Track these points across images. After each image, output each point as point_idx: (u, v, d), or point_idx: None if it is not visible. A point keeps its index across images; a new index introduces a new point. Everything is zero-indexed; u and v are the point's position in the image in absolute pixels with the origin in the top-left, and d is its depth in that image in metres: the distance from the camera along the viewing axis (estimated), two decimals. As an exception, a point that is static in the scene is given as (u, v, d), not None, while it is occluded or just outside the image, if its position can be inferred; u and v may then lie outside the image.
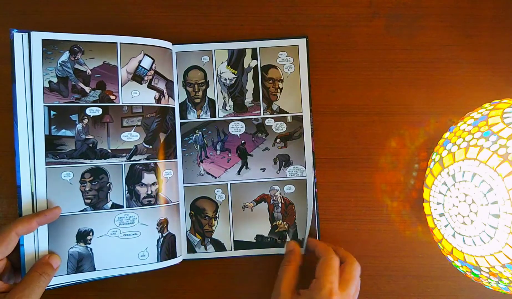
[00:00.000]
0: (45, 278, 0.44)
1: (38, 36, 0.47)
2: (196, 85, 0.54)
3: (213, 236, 0.53)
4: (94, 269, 0.48)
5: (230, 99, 0.54)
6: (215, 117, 0.54)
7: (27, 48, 0.47)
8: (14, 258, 0.45)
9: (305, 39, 0.54)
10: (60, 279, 0.47)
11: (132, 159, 0.49)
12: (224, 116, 0.54)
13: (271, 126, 0.54)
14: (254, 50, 0.54)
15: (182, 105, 0.54)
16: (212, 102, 0.54)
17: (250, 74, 0.54)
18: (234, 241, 0.53)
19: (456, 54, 0.54)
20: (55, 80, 0.48)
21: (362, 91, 0.54)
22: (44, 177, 0.47)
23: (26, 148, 0.47)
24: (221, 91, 0.54)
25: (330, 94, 0.54)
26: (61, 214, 0.47)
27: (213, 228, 0.53)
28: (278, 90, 0.54)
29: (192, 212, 0.53)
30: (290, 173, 0.53)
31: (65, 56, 0.48)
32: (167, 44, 0.52)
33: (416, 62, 0.54)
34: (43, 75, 0.47)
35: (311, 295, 0.44)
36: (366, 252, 0.53)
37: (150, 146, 0.50)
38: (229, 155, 0.54)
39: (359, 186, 0.54)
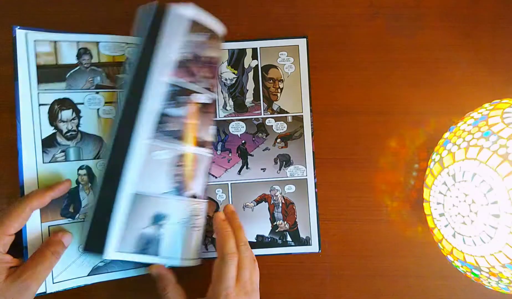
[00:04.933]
0: (56, 258, 0.44)
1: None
2: (196, 85, 0.54)
3: (214, 236, 0.53)
4: (157, 255, 0.47)
5: (230, 99, 0.54)
6: (216, 117, 0.54)
7: (33, 46, 0.47)
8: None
9: (305, 39, 0.54)
10: (129, 256, 0.45)
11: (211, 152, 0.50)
12: (224, 116, 0.54)
13: (272, 126, 0.54)
14: (254, 50, 0.54)
15: (183, 105, 0.54)
16: (212, 102, 0.54)
17: (251, 74, 0.54)
18: (234, 241, 0.53)
19: (456, 54, 0.54)
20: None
21: (362, 91, 0.54)
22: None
23: (29, 148, 0.46)
24: (221, 91, 0.54)
25: (330, 94, 0.54)
26: (145, 194, 0.45)
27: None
28: (279, 90, 0.54)
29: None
30: (290, 173, 0.53)
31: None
32: None
33: (416, 62, 0.54)
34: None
35: None
36: (366, 252, 0.53)
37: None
38: (230, 155, 0.54)
39: (359, 186, 0.54)
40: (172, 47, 0.46)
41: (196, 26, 0.47)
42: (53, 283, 0.46)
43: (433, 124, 0.54)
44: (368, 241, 0.54)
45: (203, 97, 0.48)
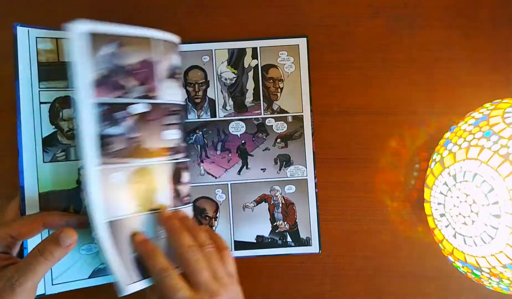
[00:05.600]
0: (49, 261, 0.40)
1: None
2: (196, 85, 0.54)
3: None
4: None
5: (230, 99, 0.54)
6: (216, 117, 0.54)
7: (34, 44, 0.46)
8: None
9: (305, 38, 0.54)
10: (143, 283, 0.44)
11: (174, 158, 0.48)
12: (224, 116, 0.54)
13: (272, 126, 0.54)
14: (254, 49, 0.54)
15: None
16: (212, 102, 0.54)
17: (251, 74, 0.54)
18: (234, 241, 0.53)
19: (457, 54, 0.54)
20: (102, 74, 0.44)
21: (362, 91, 0.54)
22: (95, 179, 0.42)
23: (30, 147, 0.46)
24: (221, 91, 0.54)
25: (331, 94, 0.54)
26: (118, 219, 0.43)
27: (214, 228, 0.53)
28: (279, 90, 0.54)
29: (193, 212, 0.53)
30: (290, 173, 0.53)
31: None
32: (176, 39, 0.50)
33: (416, 62, 0.54)
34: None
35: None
36: (366, 252, 0.53)
37: (186, 145, 0.50)
38: (230, 155, 0.54)
39: (360, 186, 0.54)
40: (85, 67, 0.42)
41: (99, 39, 0.43)
42: (52, 284, 0.46)
43: (434, 124, 0.54)
44: (369, 242, 0.53)
45: (140, 107, 0.45)
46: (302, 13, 0.54)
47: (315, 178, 0.53)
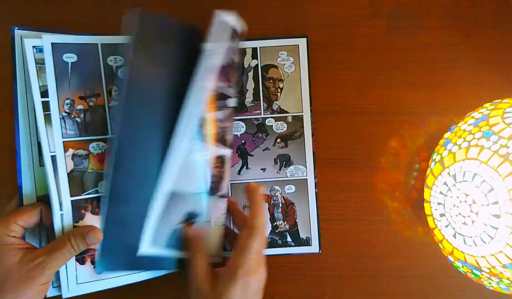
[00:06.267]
0: (75, 251, 0.44)
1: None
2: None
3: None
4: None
5: (230, 99, 0.54)
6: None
7: (31, 47, 0.46)
8: None
9: (305, 38, 0.54)
10: (161, 251, 0.47)
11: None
12: (224, 116, 0.54)
13: (272, 126, 0.54)
14: (254, 49, 0.54)
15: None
16: (212, 102, 0.54)
17: (250, 74, 0.54)
18: (234, 241, 0.53)
19: (457, 54, 0.54)
20: None
21: (362, 91, 0.54)
22: None
23: (27, 150, 0.46)
24: (221, 91, 0.54)
25: (330, 94, 0.54)
26: (181, 193, 0.47)
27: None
28: (279, 90, 0.54)
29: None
30: (290, 173, 0.53)
31: None
32: None
33: (417, 62, 0.54)
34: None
35: (230, 272, 0.42)
36: (366, 252, 0.53)
37: None
38: (229, 155, 0.54)
39: (360, 186, 0.54)
40: (217, 52, 0.47)
41: (234, 33, 0.49)
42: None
43: (434, 124, 0.54)
44: (368, 241, 0.53)
45: (234, 101, 0.50)
46: (302, 13, 0.55)
47: (315, 178, 0.53)
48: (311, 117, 0.53)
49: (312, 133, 0.53)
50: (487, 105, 0.45)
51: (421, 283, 0.53)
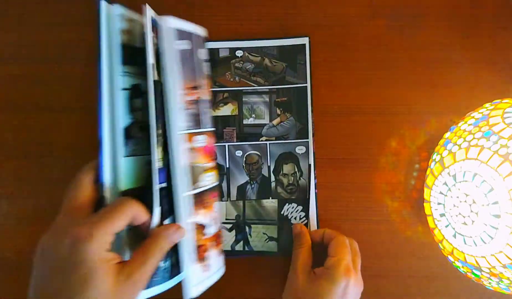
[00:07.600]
0: (162, 257, 0.39)
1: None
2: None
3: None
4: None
5: (230, 99, 0.54)
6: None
7: (118, 21, 0.41)
8: None
9: (307, 38, 0.54)
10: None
11: None
12: (224, 116, 0.54)
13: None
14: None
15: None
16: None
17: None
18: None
19: (457, 54, 0.54)
20: None
21: (362, 91, 0.54)
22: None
23: (110, 140, 0.40)
24: (221, 91, 0.54)
25: (331, 94, 0.54)
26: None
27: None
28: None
29: None
30: (290, 173, 0.53)
31: None
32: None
33: (416, 62, 0.54)
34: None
35: (328, 272, 0.45)
36: (366, 252, 0.53)
37: None
38: (229, 155, 0.54)
39: (359, 186, 0.54)
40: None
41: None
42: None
43: (434, 124, 0.54)
44: (368, 241, 0.53)
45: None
46: (303, 13, 0.54)
47: (315, 178, 0.53)
48: (311, 117, 0.53)
49: (312, 133, 0.53)
50: (487, 105, 0.45)
51: (421, 284, 0.53)
